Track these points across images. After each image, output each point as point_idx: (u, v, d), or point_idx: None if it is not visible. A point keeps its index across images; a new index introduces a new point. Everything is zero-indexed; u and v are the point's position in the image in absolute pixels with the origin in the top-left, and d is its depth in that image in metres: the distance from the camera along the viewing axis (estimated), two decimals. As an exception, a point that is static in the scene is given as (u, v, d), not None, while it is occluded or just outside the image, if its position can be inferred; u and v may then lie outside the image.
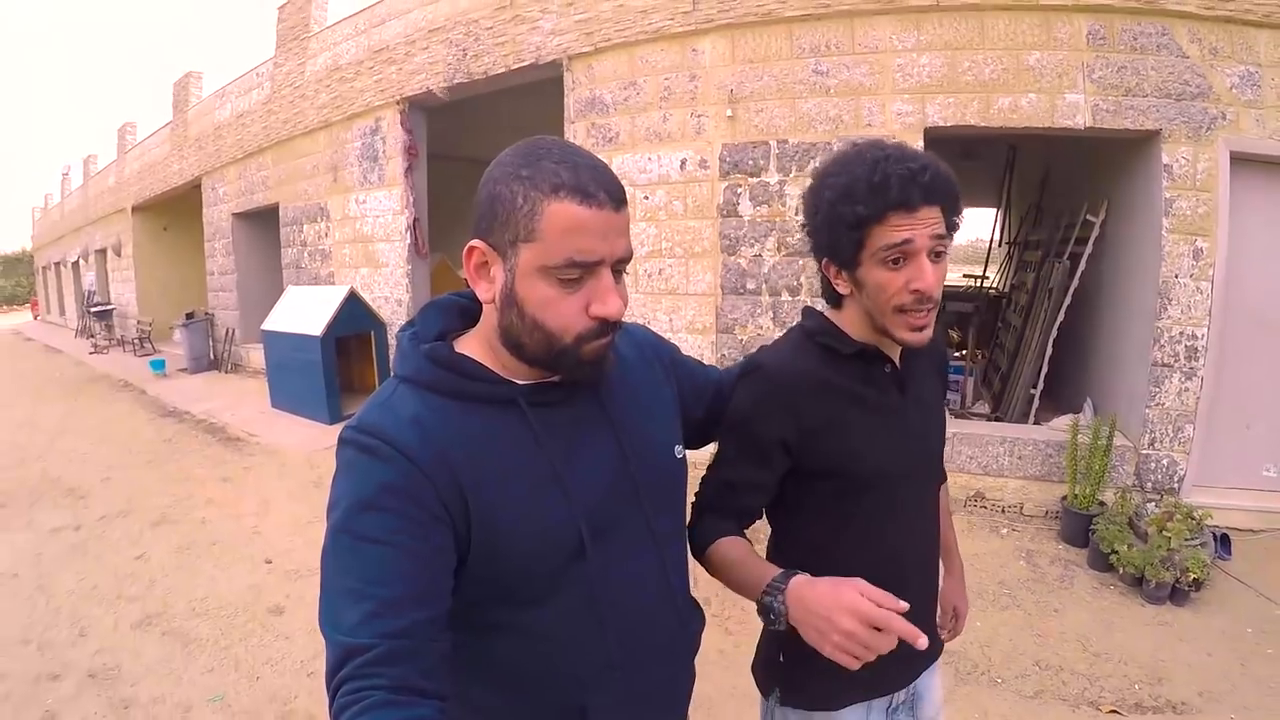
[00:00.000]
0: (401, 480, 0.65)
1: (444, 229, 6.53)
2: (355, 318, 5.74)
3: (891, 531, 0.95)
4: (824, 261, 0.92)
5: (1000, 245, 6.85)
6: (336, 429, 5.39)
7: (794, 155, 3.97)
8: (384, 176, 5.88)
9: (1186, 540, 2.95)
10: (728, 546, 0.92)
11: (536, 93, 5.20)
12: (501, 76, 4.96)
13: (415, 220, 5.73)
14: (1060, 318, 4.04)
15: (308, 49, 6.70)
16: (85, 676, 2.37)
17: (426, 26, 5.42)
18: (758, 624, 0.88)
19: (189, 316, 9.02)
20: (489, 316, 0.73)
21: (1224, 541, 3.23)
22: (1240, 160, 3.61)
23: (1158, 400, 3.59)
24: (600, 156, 4.29)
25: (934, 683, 1.09)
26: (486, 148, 9.43)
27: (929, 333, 0.87)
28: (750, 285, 4.14)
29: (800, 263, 3.98)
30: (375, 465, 0.65)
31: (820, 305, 0.99)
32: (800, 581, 0.77)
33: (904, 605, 0.70)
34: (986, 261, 6.88)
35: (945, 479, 1.16)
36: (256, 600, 2.84)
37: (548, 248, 0.65)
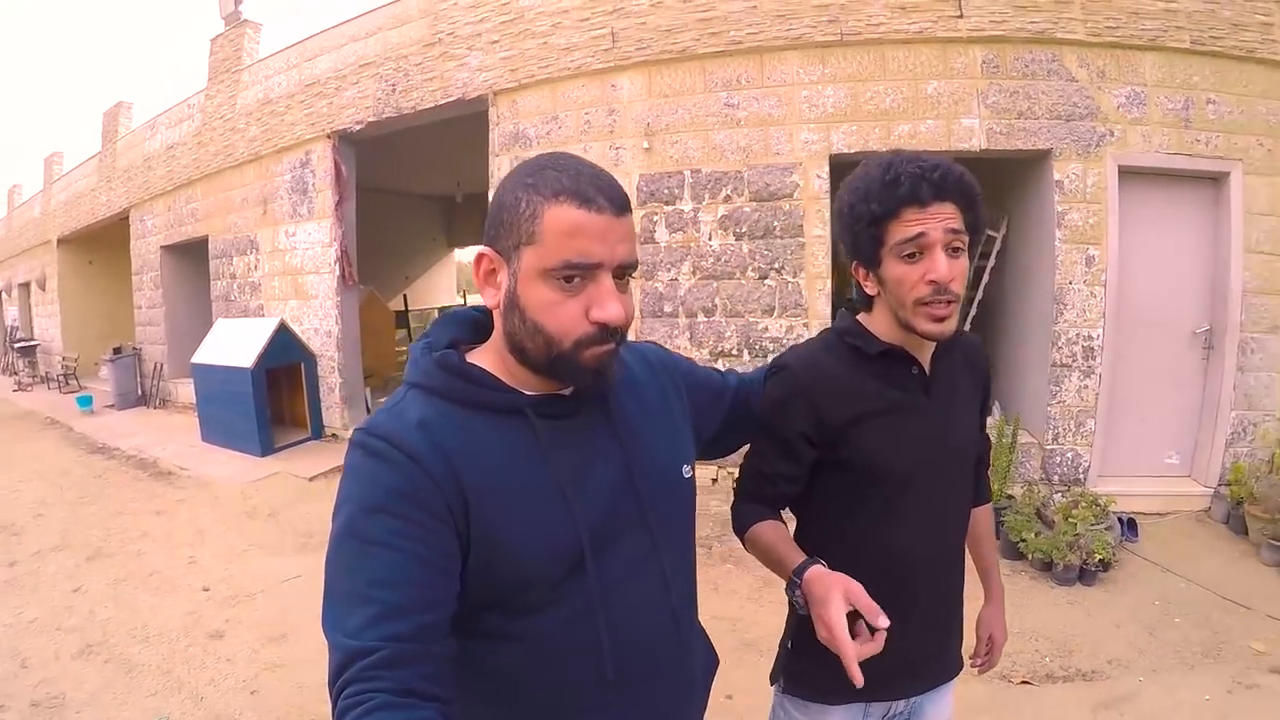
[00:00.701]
0: (408, 485, 0.65)
1: (372, 261, 6.56)
2: (285, 349, 5.66)
3: (898, 532, 0.95)
4: (854, 265, 0.96)
5: None
6: (268, 461, 5.38)
7: (707, 184, 4.17)
8: (313, 209, 5.87)
9: (1092, 525, 3.17)
10: (762, 530, 0.97)
11: (462, 127, 5.31)
12: (429, 111, 5.06)
13: (344, 252, 5.71)
14: (966, 326, 4.31)
15: (239, 81, 6.67)
16: (29, 706, 2.36)
17: (357, 61, 5.50)
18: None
19: (116, 351, 8.64)
20: (499, 323, 0.73)
21: (1130, 525, 3.47)
22: (1128, 173, 3.98)
23: (1059, 398, 3.85)
24: None
25: (944, 701, 1.07)
26: (413, 181, 9.57)
27: (950, 324, 0.89)
28: (667, 308, 4.29)
29: (714, 285, 4.17)
30: (381, 469, 0.65)
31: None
32: (811, 575, 0.81)
33: (884, 622, 0.72)
34: (855, 285, 7.24)
35: (988, 500, 1.16)
36: (196, 626, 2.88)
37: (548, 250, 0.66)
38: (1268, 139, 4.01)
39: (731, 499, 1.06)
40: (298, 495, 4.62)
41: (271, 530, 3.99)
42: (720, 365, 4.17)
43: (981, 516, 1.15)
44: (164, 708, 2.33)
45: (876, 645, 0.72)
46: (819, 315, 4.12)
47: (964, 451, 1.01)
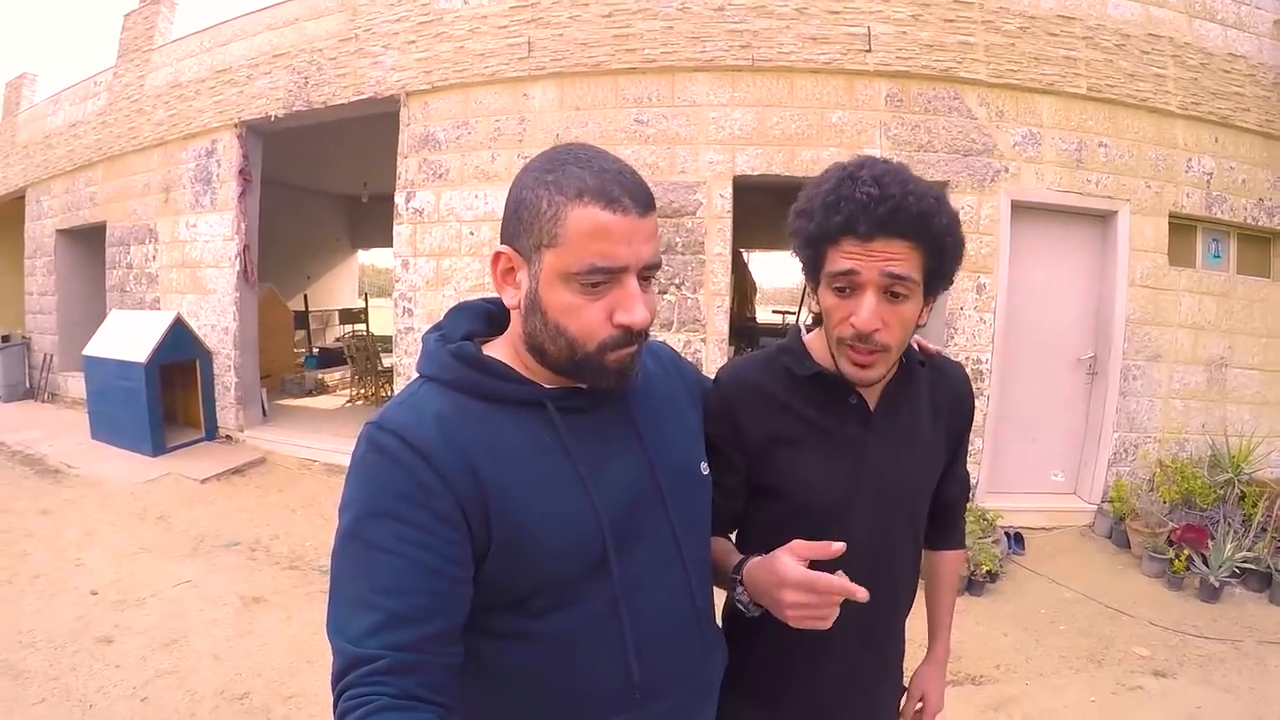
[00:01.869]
0: (414, 486, 0.63)
1: (273, 258, 6.44)
2: (181, 345, 5.48)
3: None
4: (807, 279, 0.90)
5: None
6: (160, 461, 5.20)
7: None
8: (216, 200, 5.71)
9: (980, 539, 3.36)
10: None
11: (372, 126, 5.28)
12: (341, 107, 5.01)
13: (246, 247, 5.57)
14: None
15: (150, 62, 6.44)
16: (-99, 717, 2.24)
17: (271, 51, 5.40)
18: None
19: (4, 340, 8.18)
20: (516, 322, 0.73)
21: (1017, 539, 3.70)
22: (1020, 208, 4.27)
23: (949, 418, 4.08)
24: (429, 192, 4.43)
25: None
26: (319, 178, 9.43)
27: (872, 373, 0.82)
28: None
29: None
30: (390, 469, 0.64)
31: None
32: (749, 566, 0.80)
33: (839, 548, 0.71)
34: (801, 300, 7.55)
35: (960, 546, 1.10)
36: (85, 631, 2.83)
37: (571, 253, 0.64)
38: (1154, 181, 4.38)
39: None
40: (190, 498, 4.51)
41: (162, 533, 3.91)
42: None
43: (946, 563, 1.08)
44: (51, 716, 2.29)
45: (839, 547, 0.72)
46: (716, 331, 4.24)
47: (909, 494, 0.94)
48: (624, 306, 0.67)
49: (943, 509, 1.05)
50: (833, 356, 0.85)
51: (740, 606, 0.83)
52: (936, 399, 0.96)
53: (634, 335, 0.68)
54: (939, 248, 0.79)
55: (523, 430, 0.70)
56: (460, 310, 0.80)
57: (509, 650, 0.71)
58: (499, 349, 0.75)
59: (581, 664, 0.71)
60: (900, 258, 0.77)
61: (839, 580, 0.70)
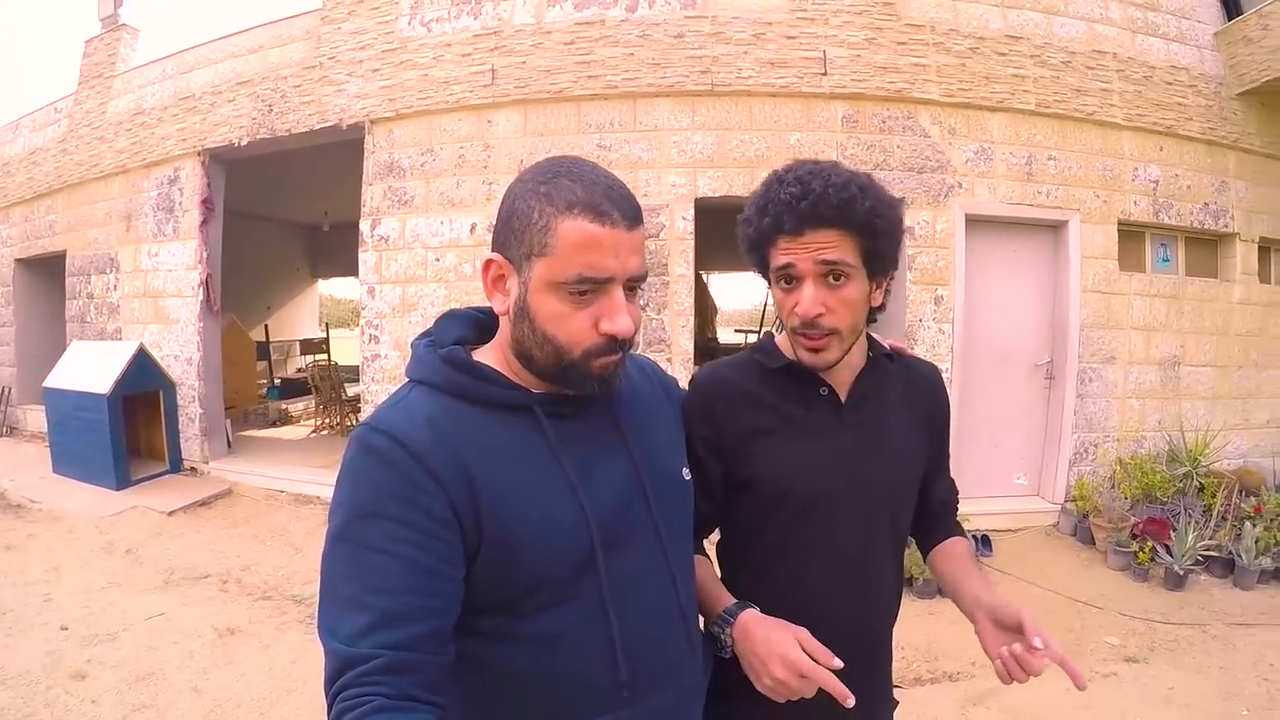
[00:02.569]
0: (406, 487, 0.64)
1: (234, 288, 6.42)
2: (144, 375, 5.44)
3: (799, 564, 0.92)
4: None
5: (772, 305, 7.69)
6: (124, 495, 5.15)
7: (577, 223, 4.38)
8: (179, 229, 5.70)
9: None
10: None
11: (334, 154, 5.35)
12: (305, 135, 5.06)
13: (209, 276, 5.57)
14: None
15: (111, 88, 6.44)
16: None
17: (235, 79, 5.43)
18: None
19: (-40, 374, 8.03)
20: (505, 328, 0.75)
21: (984, 541, 3.83)
22: (974, 221, 4.45)
23: (910, 428, 4.22)
24: (395, 219, 4.50)
25: None
26: (280, 207, 9.46)
27: (827, 356, 0.87)
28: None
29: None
30: (381, 469, 0.65)
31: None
32: (747, 619, 0.82)
33: (837, 663, 0.74)
34: (762, 320, 7.68)
35: (960, 534, 1.07)
36: (56, 666, 2.80)
37: (560, 263, 0.67)
38: (1103, 191, 4.60)
39: None
40: (157, 530, 4.47)
41: (131, 567, 3.87)
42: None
43: (959, 545, 1.05)
44: None
45: (813, 687, 0.74)
46: (682, 350, 4.35)
47: (890, 487, 0.95)
48: (609, 315, 0.70)
49: (940, 506, 1.07)
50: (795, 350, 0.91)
51: (717, 644, 0.86)
52: (910, 394, 1.00)
53: (618, 344, 0.72)
54: (869, 230, 0.84)
55: (512, 434, 0.72)
56: (450, 317, 0.83)
57: (499, 652, 0.72)
58: (488, 355, 0.77)
59: (571, 664, 0.72)
60: (831, 245, 0.83)
61: (833, 681, 0.72)
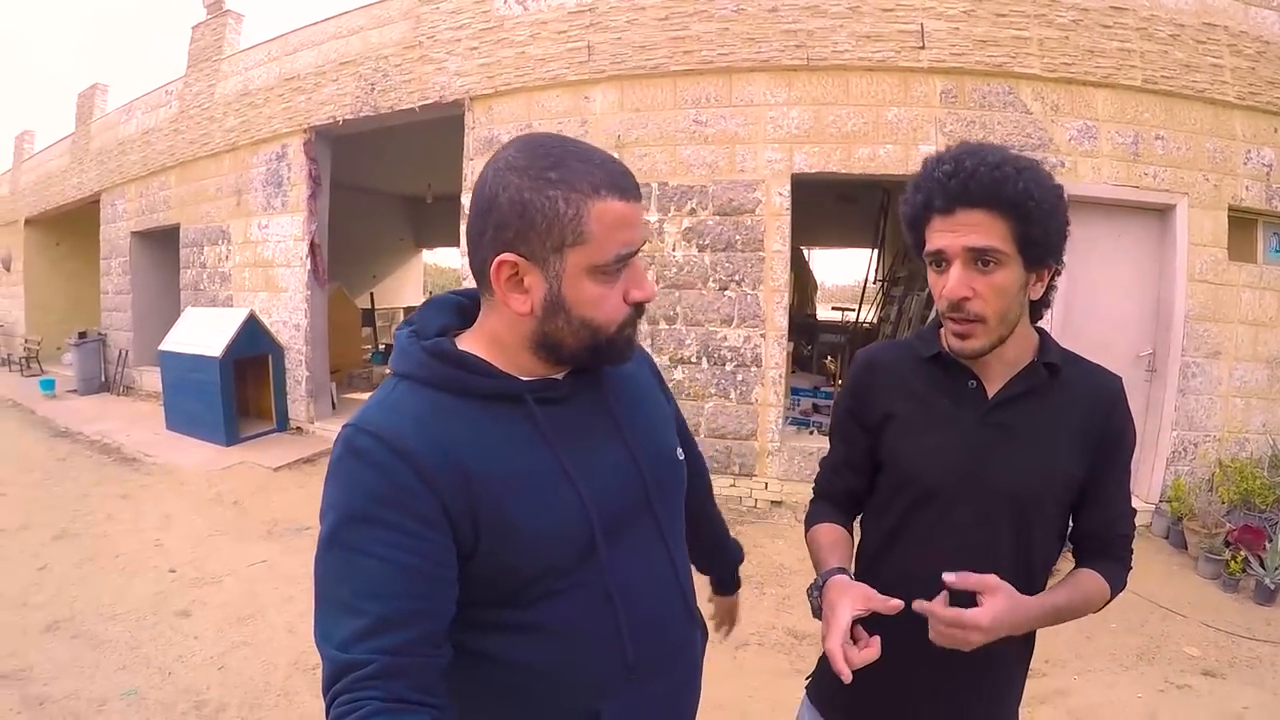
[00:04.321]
0: (394, 488, 0.63)
1: (340, 258, 6.72)
2: (254, 340, 5.77)
3: (914, 549, 0.92)
4: None
5: (875, 283, 7.49)
6: (233, 451, 5.50)
7: (673, 196, 4.39)
8: (287, 202, 5.99)
9: None
10: (816, 533, 0.99)
11: (436, 129, 5.48)
12: (406, 112, 5.21)
13: (316, 247, 5.83)
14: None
15: (219, 71, 6.78)
16: (-3, 677, 2.41)
17: (338, 59, 5.64)
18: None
19: (81, 336, 8.66)
20: (495, 320, 0.73)
21: (1073, 538, 3.72)
22: (1077, 203, 4.19)
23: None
24: None
25: None
26: (385, 180, 9.72)
27: (973, 344, 0.85)
28: (631, 315, 4.52)
29: (676, 294, 4.38)
30: (369, 472, 0.64)
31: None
32: (832, 584, 0.84)
33: (896, 604, 0.77)
34: (862, 297, 7.52)
35: (1105, 578, 0.93)
36: (163, 605, 2.96)
37: (597, 247, 0.66)
38: (1213, 174, 4.32)
39: None
40: (262, 485, 4.73)
41: (237, 517, 4.10)
42: (679, 372, 4.39)
43: (1075, 574, 0.94)
44: (132, 682, 2.42)
45: (872, 652, 0.75)
46: (776, 326, 4.33)
47: (1020, 493, 0.89)
48: (637, 284, 0.71)
49: (1087, 539, 0.96)
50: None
51: (813, 607, 0.88)
52: (1075, 406, 0.91)
53: (643, 309, 0.74)
54: (1022, 212, 0.80)
55: (502, 424, 0.70)
56: (433, 305, 0.80)
57: (505, 643, 0.72)
58: (473, 343, 0.75)
59: (578, 650, 0.72)
60: (981, 227, 0.80)
61: (838, 649, 0.75)
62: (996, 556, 0.89)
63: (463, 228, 4.93)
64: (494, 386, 0.71)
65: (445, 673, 0.65)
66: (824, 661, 1.02)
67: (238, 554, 3.52)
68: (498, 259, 0.67)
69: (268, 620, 2.85)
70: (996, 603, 0.79)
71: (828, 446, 1.07)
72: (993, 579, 0.80)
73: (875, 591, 0.80)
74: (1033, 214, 0.80)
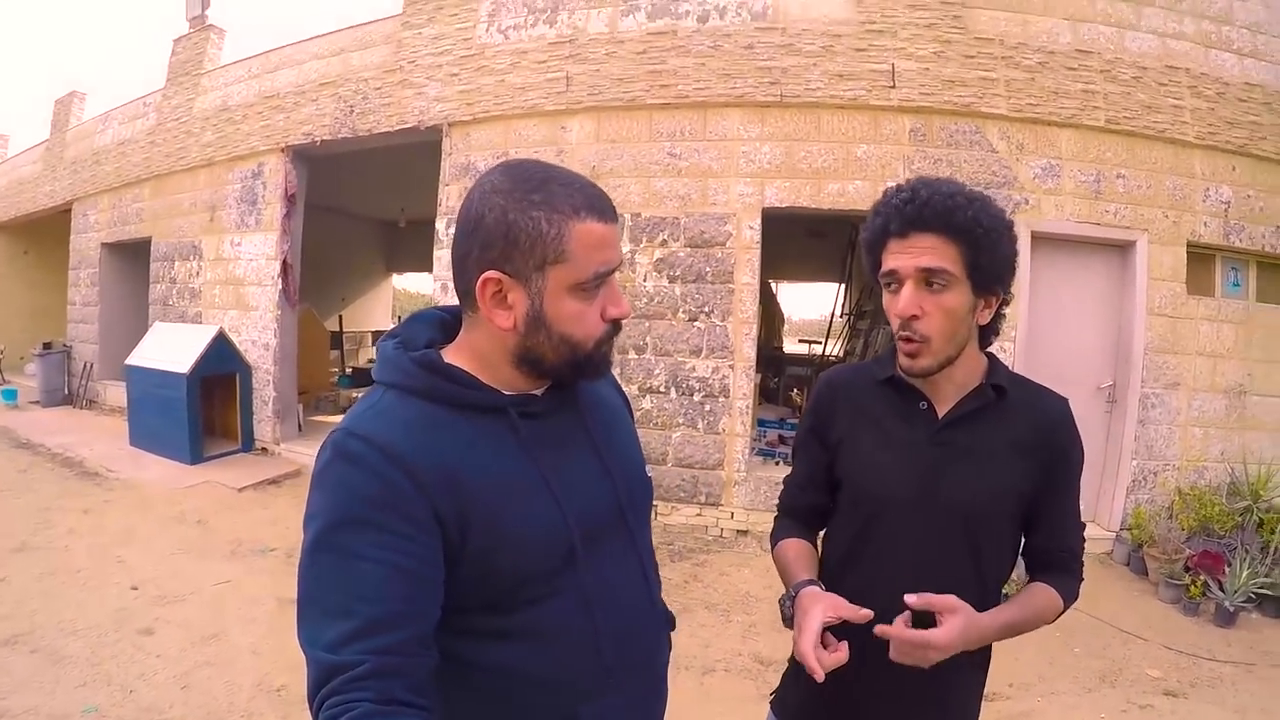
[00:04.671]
0: (386, 491, 0.65)
1: (310, 279, 6.70)
2: (223, 358, 5.73)
3: (869, 562, 0.97)
4: None
5: (841, 317, 7.64)
6: (197, 469, 5.44)
7: (645, 227, 4.48)
8: (261, 220, 5.99)
9: None
10: (782, 548, 1.04)
11: (411, 153, 5.54)
12: (384, 135, 5.27)
13: (288, 267, 5.83)
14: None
15: (199, 85, 6.79)
16: (-48, 691, 2.35)
17: (318, 79, 5.70)
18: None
19: (46, 347, 8.54)
20: (480, 335, 0.76)
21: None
22: (1040, 239, 4.41)
23: (968, 449, 4.22)
24: None
25: None
26: (358, 202, 9.75)
27: (919, 363, 0.91)
28: (602, 344, 4.58)
29: (646, 324, 4.45)
30: (360, 475, 0.65)
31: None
32: (805, 593, 0.90)
33: (866, 613, 0.83)
34: (829, 331, 7.65)
35: (1057, 590, 0.99)
36: (126, 622, 2.94)
37: (578, 265, 0.70)
38: (1172, 211, 4.50)
39: None
40: (227, 505, 4.69)
41: (200, 536, 4.07)
42: (648, 401, 4.44)
43: (1028, 589, 0.98)
44: (93, 698, 2.39)
45: (841, 656, 0.82)
46: (744, 358, 4.40)
47: (970, 512, 0.93)
48: (614, 302, 0.76)
49: (1038, 554, 1.01)
50: None
51: (785, 617, 0.94)
52: (1022, 427, 0.96)
53: (619, 326, 0.78)
54: (970, 238, 0.87)
55: (487, 435, 0.73)
56: (418, 319, 0.84)
57: (487, 648, 0.74)
58: (457, 357, 0.77)
59: (557, 655, 0.75)
60: (933, 250, 0.87)
61: (810, 652, 0.81)
62: (951, 569, 0.94)
63: (435, 253, 5.03)
64: (480, 399, 0.74)
65: (434, 674, 0.66)
66: (788, 676, 1.09)
67: (201, 573, 3.50)
68: (483, 276, 0.71)
69: (232, 640, 2.84)
70: (955, 622, 0.84)
71: (792, 465, 1.13)
72: (953, 599, 0.85)
73: (845, 601, 0.85)
74: (981, 241, 0.87)
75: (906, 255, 0.88)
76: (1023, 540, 1.03)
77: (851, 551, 0.99)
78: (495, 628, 0.73)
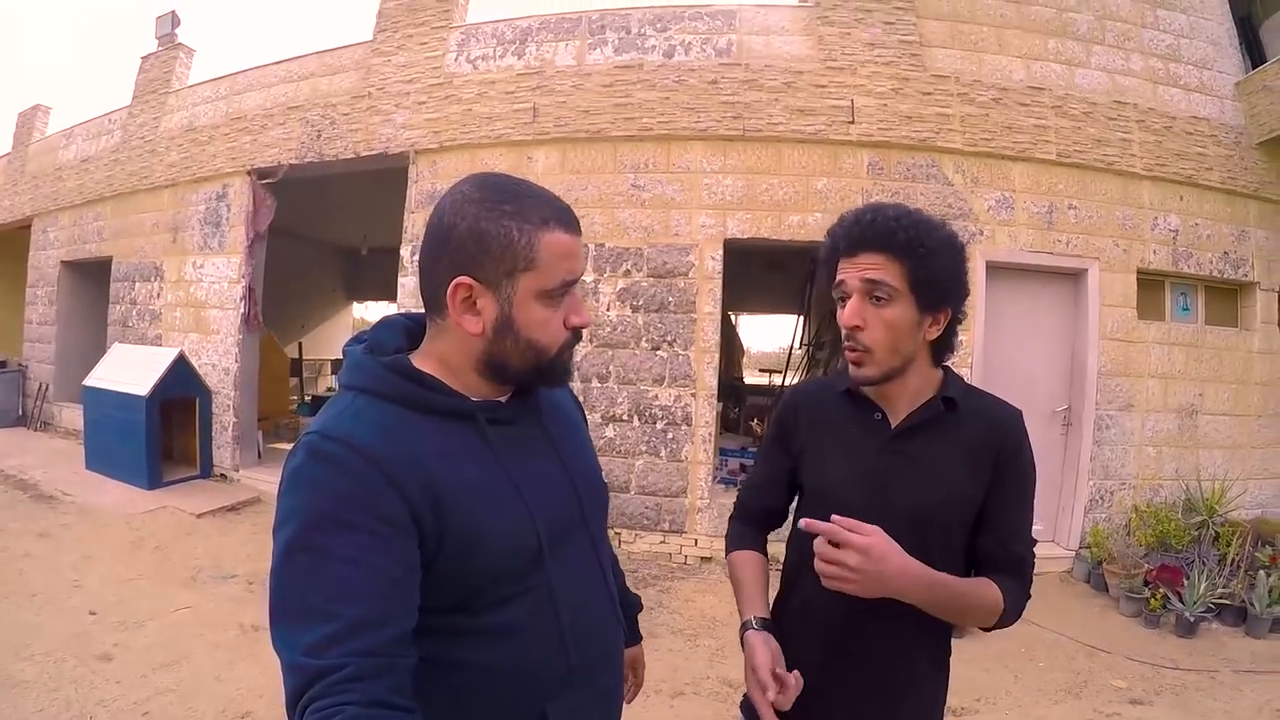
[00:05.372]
0: (363, 492, 0.66)
1: (270, 305, 6.65)
2: (183, 382, 5.70)
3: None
4: None
5: (800, 348, 7.79)
6: (155, 494, 5.41)
7: (609, 258, 4.61)
8: (224, 243, 6.01)
9: None
10: (737, 563, 1.11)
11: (375, 180, 5.63)
12: (351, 161, 5.35)
13: (251, 291, 5.85)
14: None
15: (165, 104, 6.82)
16: (-99, 720, 2.33)
17: (286, 102, 5.76)
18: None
19: (0, 366, 8.44)
20: (449, 342, 0.79)
21: None
22: (995, 268, 4.61)
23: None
24: None
25: None
26: (320, 228, 9.77)
27: (864, 371, 0.99)
28: (565, 373, 4.70)
29: (610, 353, 4.56)
30: (337, 476, 0.67)
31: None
32: (745, 638, 0.98)
33: (791, 680, 0.89)
34: (788, 362, 7.83)
35: (999, 590, 0.99)
36: (84, 647, 2.93)
37: (545, 273, 0.74)
38: (1122, 240, 4.74)
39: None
40: (186, 531, 4.68)
41: (160, 562, 4.05)
42: (611, 430, 4.55)
43: (981, 580, 1.00)
44: None
45: (786, 698, 0.88)
46: (706, 387, 4.53)
47: (913, 516, 0.98)
48: (576, 311, 0.81)
49: (984, 557, 1.02)
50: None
51: (743, 647, 1.00)
52: (975, 436, 1.02)
53: (580, 335, 0.83)
54: (912, 255, 0.94)
55: (456, 440, 0.76)
56: (387, 325, 0.86)
57: (458, 648, 0.76)
58: (422, 363, 0.80)
59: (526, 653, 0.78)
60: (877, 267, 0.95)
61: (762, 701, 0.88)
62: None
63: (399, 280, 5.11)
64: (449, 404, 0.77)
65: (413, 674, 0.67)
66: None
67: (161, 599, 3.48)
68: (454, 281, 0.74)
69: (193, 667, 2.83)
70: (876, 537, 0.87)
71: (752, 468, 1.22)
72: (871, 526, 0.88)
73: (780, 658, 0.95)
74: (923, 258, 0.95)
75: (854, 269, 0.96)
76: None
77: (805, 558, 1.02)
78: (466, 627, 0.76)
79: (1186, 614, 3.55)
